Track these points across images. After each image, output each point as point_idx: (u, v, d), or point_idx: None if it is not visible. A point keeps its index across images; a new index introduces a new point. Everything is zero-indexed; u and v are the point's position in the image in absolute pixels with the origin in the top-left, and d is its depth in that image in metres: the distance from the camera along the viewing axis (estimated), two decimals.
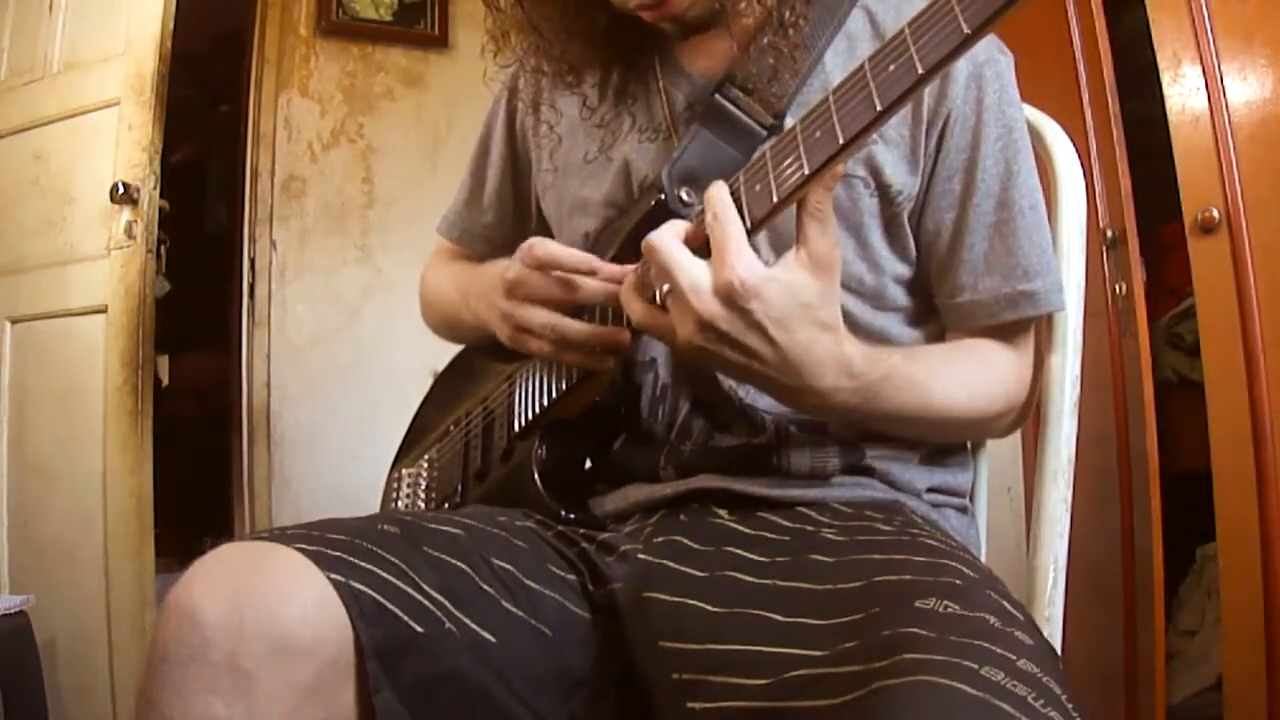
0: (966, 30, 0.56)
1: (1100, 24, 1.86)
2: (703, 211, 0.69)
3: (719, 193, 0.68)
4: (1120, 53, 1.87)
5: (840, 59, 0.85)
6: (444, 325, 1.10)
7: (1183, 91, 1.66)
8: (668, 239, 0.68)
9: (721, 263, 0.65)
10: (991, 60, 0.83)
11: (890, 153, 0.82)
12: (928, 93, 0.82)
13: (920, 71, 0.58)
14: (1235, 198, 1.60)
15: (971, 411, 0.81)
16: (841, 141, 0.62)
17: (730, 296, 0.65)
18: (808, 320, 0.67)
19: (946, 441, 0.89)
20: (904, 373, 0.76)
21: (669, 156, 0.85)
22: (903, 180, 0.83)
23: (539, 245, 0.81)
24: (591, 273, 0.80)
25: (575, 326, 0.81)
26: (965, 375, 0.82)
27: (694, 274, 0.66)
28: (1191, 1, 1.65)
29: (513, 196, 1.06)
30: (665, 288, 0.68)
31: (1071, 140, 0.94)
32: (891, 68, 0.60)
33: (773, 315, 0.66)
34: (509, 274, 0.83)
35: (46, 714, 1.81)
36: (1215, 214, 1.60)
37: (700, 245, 0.68)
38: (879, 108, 0.60)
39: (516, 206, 1.07)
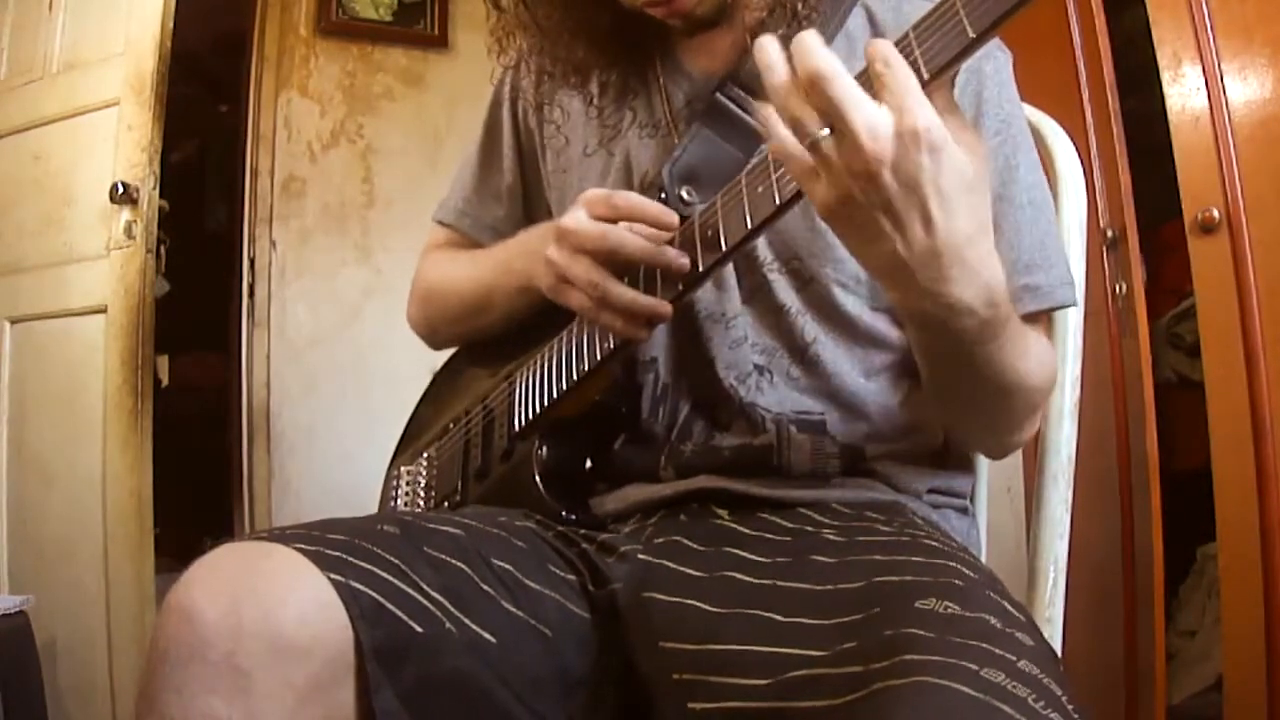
0: (971, 34, 0.56)
1: (1100, 22, 1.86)
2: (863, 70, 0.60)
3: (885, 45, 0.58)
4: (1120, 51, 1.87)
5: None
6: (463, 311, 1.03)
7: (1183, 91, 1.66)
8: (839, 67, 0.57)
9: (903, 107, 0.56)
10: (990, 56, 0.83)
11: None
12: None
13: (925, 77, 0.58)
14: (1235, 197, 1.60)
15: (1036, 393, 0.77)
16: None
17: (912, 142, 0.56)
18: (971, 209, 0.60)
19: (988, 428, 0.84)
20: (1016, 326, 0.70)
21: (669, 155, 0.85)
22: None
23: (635, 197, 0.78)
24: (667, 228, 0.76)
25: (618, 288, 0.76)
26: (1036, 350, 0.76)
27: (870, 112, 0.56)
28: (1191, 1, 1.65)
29: (522, 194, 1.06)
30: (825, 131, 0.58)
31: (1071, 139, 0.94)
32: None
33: (942, 184, 0.58)
34: (564, 222, 0.79)
35: (46, 714, 1.81)
36: (1215, 214, 1.60)
37: None
38: None
39: (526, 203, 1.06)
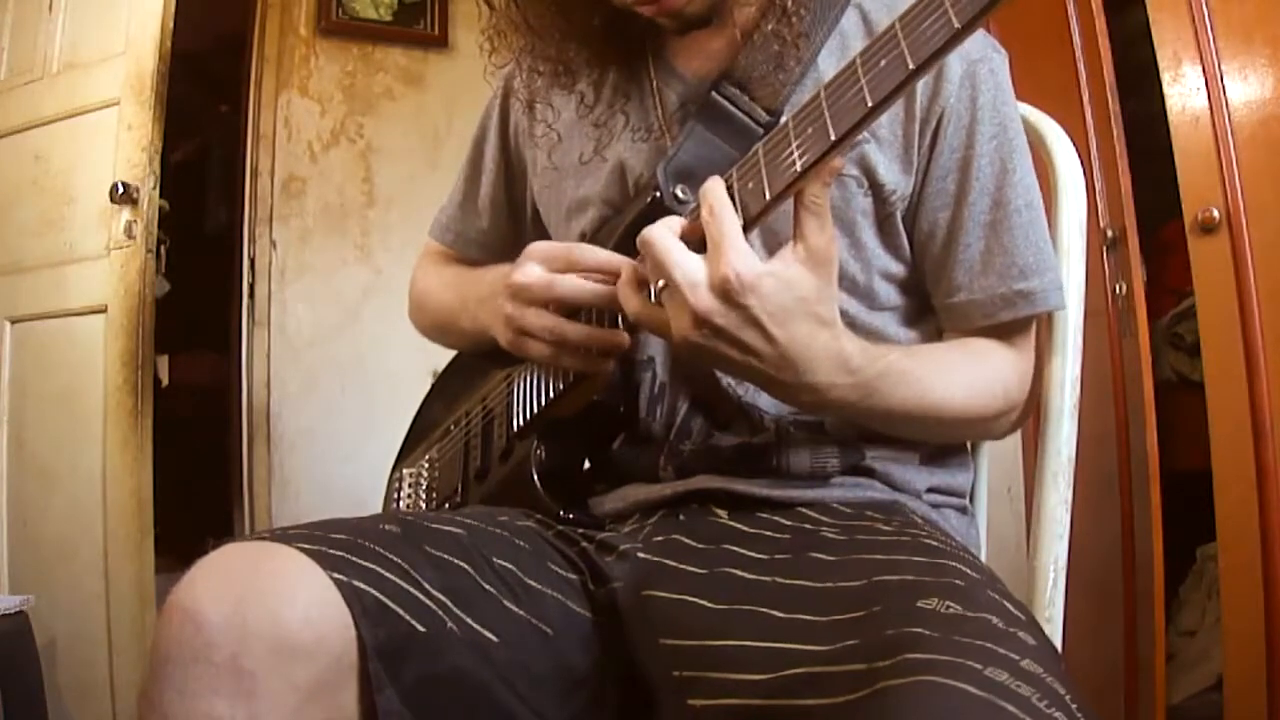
0: (957, 25, 0.56)
1: (1100, 23, 1.86)
2: (698, 207, 0.68)
3: (715, 187, 0.67)
4: (1120, 52, 1.87)
5: (834, 58, 0.85)
6: (436, 328, 1.09)
7: (1183, 91, 1.66)
8: (663, 234, 0.68)
9: (717, 257, 0.65)
10: (986, 58, 0.83)
11: (883, 152, 0.82)
12: (921, 91, 0.82)
13: (911, 67, 0.58)
14: (1235, 198, 1.60)
15: (970, 410, 0.81)
16: (833, 138, 0.62)
17: (726, 291, 0.64)
18: (804, 314, 0.67)
19: (945, 441, 0.88)
20: (902, 369, 0.75)
21: (664, 154, 0.85)
22: (896, 179, 0.83)
23: (578, 248, 0.81)
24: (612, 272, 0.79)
25: (574, 329, 0.80)
26: (964, 373, 0.81)
27: (689, 269, 0.66)
28: (1191, 1, 1.65)
29: (506, 202, 1.06)
30: (660, 283, 0.68)
31: (1071, 140, 0.94)
32: (882, 63, 0.60)
33: (769, 310, 0.65)
34: (514, 277, 0.82)
35: (46, 714, 1.81)
36: (1215, 214, 1.60)
37: (696, 240, 0.68)
38: (870, 103, 0.60)
39: (510, 211, 1.07)
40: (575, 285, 0.80)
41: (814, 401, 0.72)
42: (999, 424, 0.85)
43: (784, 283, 0.66)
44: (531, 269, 0.81)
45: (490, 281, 0.90)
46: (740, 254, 0.65)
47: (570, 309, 0.81)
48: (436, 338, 1.10)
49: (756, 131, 0.83)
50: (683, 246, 0.67)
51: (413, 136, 2.62)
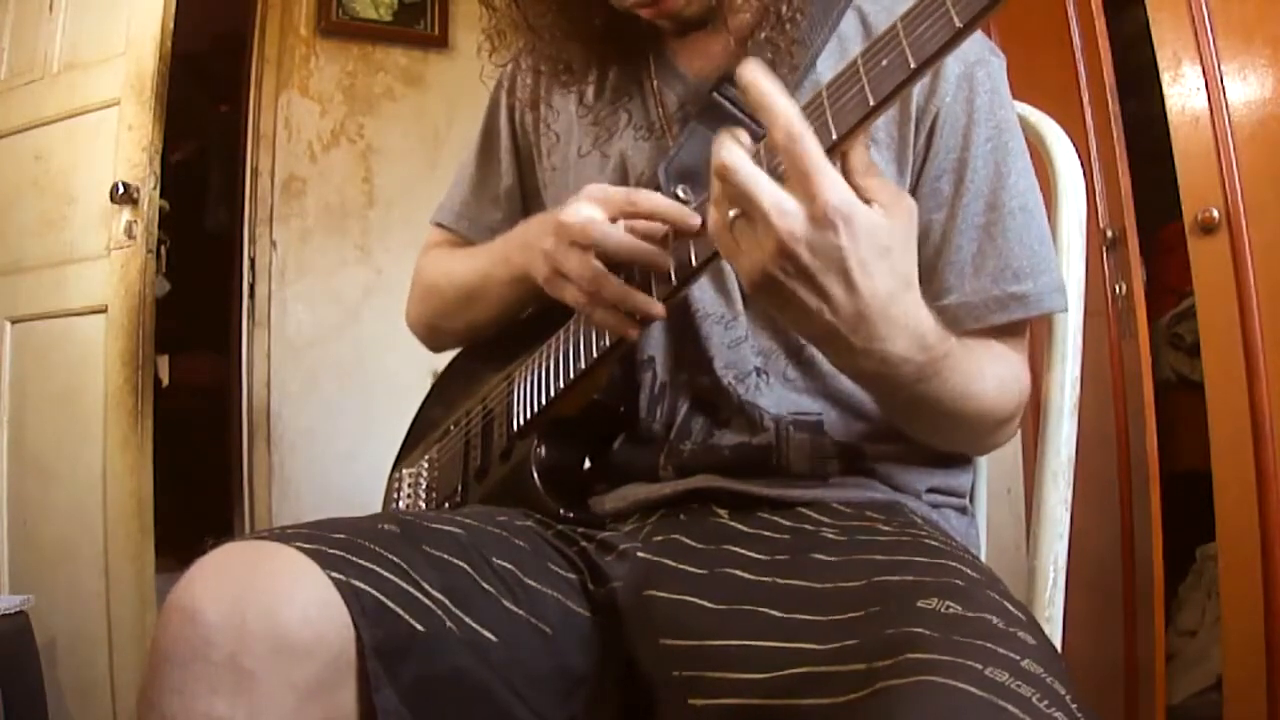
0: (958, 24, 0.56)
1: (1100, 24, 1.86)
2: (764, 136, 0.62)
3: (788, 113, 0.59)
4: (1120, 52, 1.87)
5: (832, 60, 0.85)
6: (456, 304, 1.03)
7: (1183, 91, 1.66)
8: (743, 159, 0.60)
9: (808, 185, 0.58)
10: (983, 61, 0.83)
11: (879, 154, 0.82)
12: (917, 92, 0.81)
13: (913, 66, 0.58)
14: (1235, 198, 1.60)
15: (996, 409, 0.78)
16: (834, 138, 0.62)
17: (818, 220, 0.58)
18: (890, 269, 0.61)
19: (955, 446, 0.86)
20: (960, 355, 0.71)
21: (665, 154, 0.85)
22: (891, 179, 0.82)
23: (639, 193, 0.78)
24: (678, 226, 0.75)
25: (614, 281, 0.77)
26: (993, 369, 0.78)
27: (778, 195, 0.58)
28: (1191, 1, 1.65)
29: (520, 195, 1.06)
30: (736, 212, 0.61)
31: (1071, 140, 0.94)
32: (884, 62, 0.60)
33: (859, 252, 0.59)
34: (562, 216, 0.80)
35: (46, 714, 1.81)
36: (1215, 214, 1.60)
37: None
38: (872, 102, 0.60)
39: (524, 205, 1.06)
40: (614, 236, 0.77)
41: (875, 373, 0.66)
42: (1009, 428, 0.83)
43: (874, 225, 0.59)
44: (582, 208, 0.79)
45: (538, 225, 0.87)
46: (835, 183, 0.58)
47: (609, 261, 0.78)
48: (449, 321, 1.05)
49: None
50: (765, 174, 0.60)
51: (413, 137, 2.62)
